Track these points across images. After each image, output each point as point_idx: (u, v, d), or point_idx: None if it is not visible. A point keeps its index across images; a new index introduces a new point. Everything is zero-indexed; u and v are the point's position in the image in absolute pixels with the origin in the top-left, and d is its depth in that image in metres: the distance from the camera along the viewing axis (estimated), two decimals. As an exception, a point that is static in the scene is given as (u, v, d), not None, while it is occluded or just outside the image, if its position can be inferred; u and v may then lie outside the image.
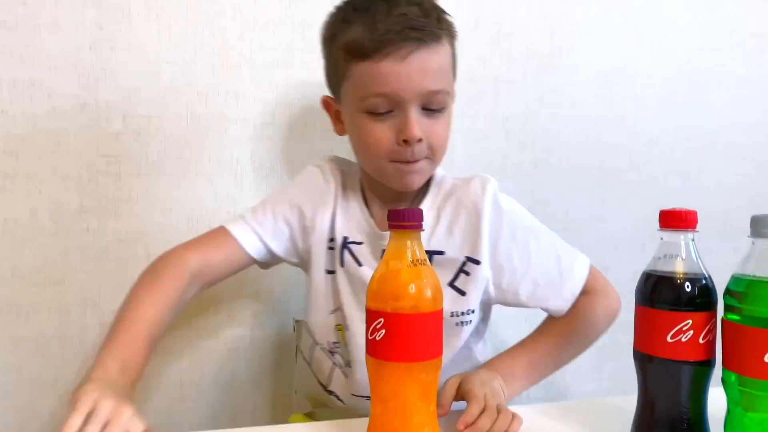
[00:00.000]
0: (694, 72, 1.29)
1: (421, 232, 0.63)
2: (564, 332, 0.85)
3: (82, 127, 1.00)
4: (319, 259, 0.88)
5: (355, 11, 0.79)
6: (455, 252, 0.82)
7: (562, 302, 0.84)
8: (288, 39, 1.07)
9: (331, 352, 0.90)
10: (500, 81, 1.18)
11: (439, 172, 0.88)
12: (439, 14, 0.80)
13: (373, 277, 0.63)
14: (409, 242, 0.62)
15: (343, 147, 1.09)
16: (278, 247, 0.89)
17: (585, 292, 0.84)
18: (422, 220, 0.63)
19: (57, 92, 0.99)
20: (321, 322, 0.89)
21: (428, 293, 0.61)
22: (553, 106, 1.21)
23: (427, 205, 0.85)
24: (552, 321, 0.87)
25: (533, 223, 0.86)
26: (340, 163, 0.93)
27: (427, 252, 0.78)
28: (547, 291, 0.83)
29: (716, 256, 0.74)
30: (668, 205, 1.26)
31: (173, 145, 1.03)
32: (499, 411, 0.68)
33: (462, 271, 0.82)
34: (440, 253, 0.82)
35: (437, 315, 0.62)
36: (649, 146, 1.28)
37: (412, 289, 0.61)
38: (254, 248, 0.87)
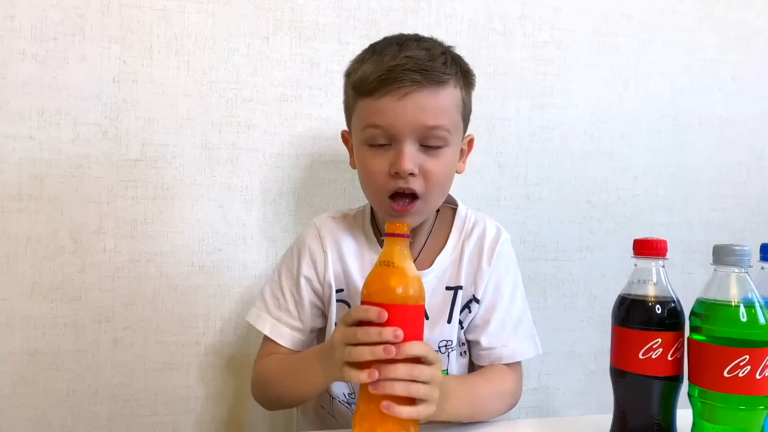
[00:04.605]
0: (678, 113, 1.37)
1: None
2: (492, 384, 0.85)
3: (103, 153, 1.07)
4: (332, 314, 0.90)
5: (372, 52, 0.84)
6: (468, 288, 0.89)
7: (508, 352, 0.87)
8: (297, 75, 1.15)
9: (349, 404, 0.91)
10: (494, 118, 1.26)
11: (462, 208, 0.94)
12: (449, 59, 0.83)
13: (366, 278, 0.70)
14: (398, 247, 0.69)
15: (347, 176, 1.16)
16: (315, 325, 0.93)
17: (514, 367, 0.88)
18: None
19: (81, 121, 1.06)
20: None
21: (411, 291, 0.67)
22: (545, 142, 1.29)
23: (452, 243, 0.90)
24: (487, 371, 0.88)
25: (518, 284, 0.92)
26: (334, 215, 0.96)
27: (451, 287, 0.88)
28: (503, 336, 0.88)
29: (699, 286, 0.76)
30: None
31: (187, 172, 1.10)
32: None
33: (467, 307, 0.89)
34: (460, 288, 0.89)
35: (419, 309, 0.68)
36: (635, 182, 1.35)
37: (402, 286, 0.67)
38: (301, 344, 0.92)
